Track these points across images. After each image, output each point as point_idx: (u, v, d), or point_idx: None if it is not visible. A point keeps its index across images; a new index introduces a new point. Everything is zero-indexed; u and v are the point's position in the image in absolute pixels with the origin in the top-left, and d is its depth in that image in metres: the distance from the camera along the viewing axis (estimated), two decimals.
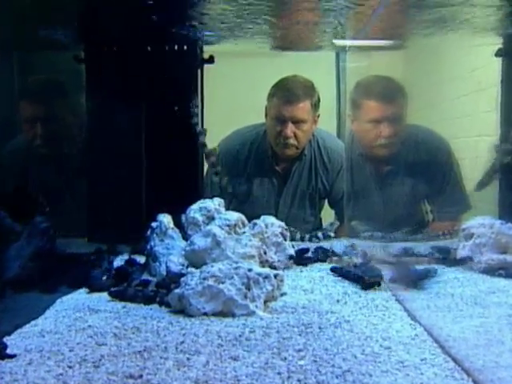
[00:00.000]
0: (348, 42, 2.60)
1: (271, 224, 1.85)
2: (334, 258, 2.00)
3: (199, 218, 1.88)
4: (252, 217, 1.86)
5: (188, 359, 1.08)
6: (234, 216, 1.78)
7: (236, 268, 1.41)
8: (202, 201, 1.94)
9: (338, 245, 2.22)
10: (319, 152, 2.73)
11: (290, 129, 2.57)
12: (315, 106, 2.63)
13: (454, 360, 1.07)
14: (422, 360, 1.07)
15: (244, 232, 1.77)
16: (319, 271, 1.86)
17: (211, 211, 1.88)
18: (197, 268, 1.49)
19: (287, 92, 2.57)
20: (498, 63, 2.42)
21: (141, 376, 1.00)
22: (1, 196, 1.95)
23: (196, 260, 1.66)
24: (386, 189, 2.65)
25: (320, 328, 1.25)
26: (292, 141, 2.59)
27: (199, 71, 2.45)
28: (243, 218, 1.81)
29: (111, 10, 2.01)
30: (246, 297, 1.37)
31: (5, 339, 1.19)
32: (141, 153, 2.41)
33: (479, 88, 2.81)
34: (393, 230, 2.38)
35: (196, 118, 2.43)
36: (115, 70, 2.37)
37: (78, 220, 2.42)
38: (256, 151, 2.73)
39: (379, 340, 1.18)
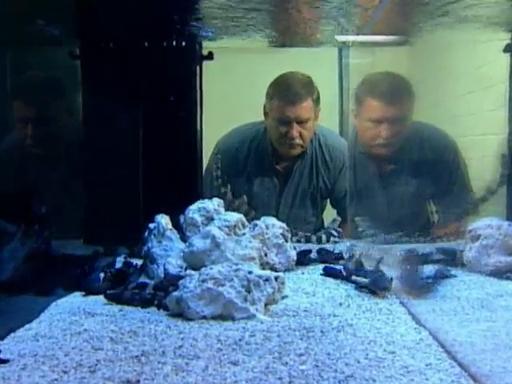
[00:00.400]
0: (351, 38, 2.60)
1: (272, 225, 1.85)
2: (341, 262, 2.00)
3: (198, 218, 1.88)
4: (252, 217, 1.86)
5: (187, 364, 1.08)
6: (234, 217, 1.78)
7: (236, 270, 1.41)
8: (200, 201, 1.94)
9: (340, 246, 2.22)
10: (320, 150, 2.74)
11: (296, 129, 2.58)
12: (316, 101, 2.63)
13: (461, 365, 1.07)
14: (427, 365, 1.07)
15: (244, 233, 1.77)
16: (322, 273, 1.86)
17: (210, 212, 1.88)
18: (195, 270, 1.49)
19: (289, 92, 2.57)
20: (506, 59, 2.42)
21: (138, 381, 1.00)
22: None
23: (195, 262, 1.66)
24: (390, 188, 2.65)
25: (322, 332, 1.25)
26: (298, 141, 2.61)
27: (198, 68, 2.46)
28: (243, 218, 1.81)
29: (108, 5, 2.01)
30: (246, 300, 1.37)
31: None
32: (138, 152, 2.41)
33: (486, 85, 2.81)
34: (392, 231, 2.38)
35: (195, 115, 2.43)
36: (112, 67, 2.37)
37: (74, 221, 2.43)
38: (256, 150, 2.73)
39: (383, 344, 1.18)
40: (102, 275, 1.76)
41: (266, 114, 2.69)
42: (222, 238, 1.68)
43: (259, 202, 2.69)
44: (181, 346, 1.17)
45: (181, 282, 1.42)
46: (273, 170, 2.74)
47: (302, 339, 1.21)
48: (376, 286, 1.55)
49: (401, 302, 1.49)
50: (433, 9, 2.00)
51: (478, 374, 1.03)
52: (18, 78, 2.81)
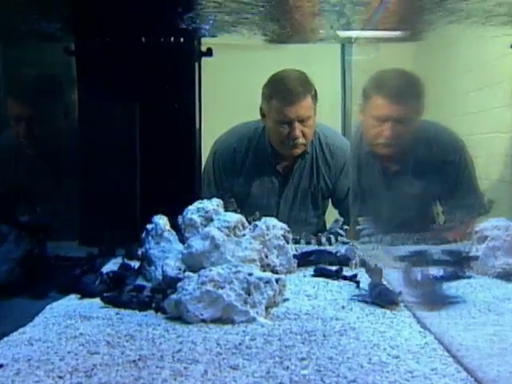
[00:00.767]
0: (354, 34, 2.60)
1: (273, 226, 1.85)
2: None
3: (197, 219, 1.88)
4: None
5: (185, 368, 1.08)
6: (234, 217, 1.78)
7: (236, 272, 1.41)
8: (199, 201, 1.94)
9: (343, 248, 2.22)
10: (321, 149, 2.74)
11: (298, 129, 2.58)
12: (315, 97, 2.63)
13: (467, 370, 1.07)
14: (432, 370, 1.07)
15: (244, 234, 1.77)
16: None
17: (209, 212, 1.89)
18: (194, 272, 1.49)
19: (287, 92, 2.56)
20: None
21: None
22: None
23: (193, 264, 1.66)
24: (395, 189, 2.64)
25: (324, 336, 1.26)
26: (301, 140, 2.61)
27: (197, 65, 2.46)
28: (243, 219, 1.81)
29: (104, 0, 2.01)
30: (246, 302, 1.38)
31: None
32: (135, 151, 2.42)
33: (494, 81, 2.81)
34: (395, 232, 2.37)
35: (193, 114, 2.44)
36: (108, 64, 2.37)
37: (69, 222, 2.43)
38: (254, 149, 2.73)
39: (387, 348, 1.18)
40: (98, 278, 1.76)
41: (263, 115, 2.68)
42: (222, 240, 1.68)
43: (258, 202, 2.70)
44: (179, 350, 1.17)
45: (179, 284, 1.42)
46: (272, 170, 2.74)
47: (303, 343, 1.21)
48: (382, 300, 1.48)
49: (405, 305, 1.49)
50: (438, 3, 2.00)
51: (484, 379, 1.03)
52: (13, 75, 2.81)
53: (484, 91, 2.91)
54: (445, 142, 2.65)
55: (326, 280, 1.79)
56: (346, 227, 2.45)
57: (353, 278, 1.77)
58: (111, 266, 1.98)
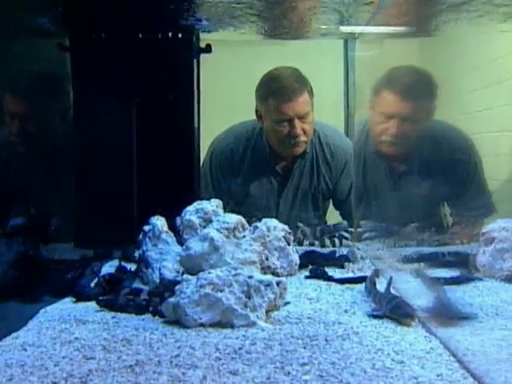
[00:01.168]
0: (357, 29, 2.60)
1: (273, 227, 1.85)
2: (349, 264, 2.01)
3: (195, 220, 1.88)
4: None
5: (183, 374, 1.08)
6: (234, 219, 1.78)
7: (235, 275, 1.41)
8: (198, 202, 1.94)
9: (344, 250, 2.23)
10: (321, 149, 2.74)
11: (298, 126, 2.58)
12: (311, 93, 2.64)
13: (473, 376, 1.07)
14: (437, 376, 1.07)
15: (244, 236, 1.78)
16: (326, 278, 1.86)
17: (208, 213, 1.89)
18: (193, 275, 1.49)
19: (284, 89, 2.57)
20: None
21: None
22: None
23: (192, 266, 1.66)
24: (401, 190, 2.64)
25: (326, 340, 1.26)
26: (302, 137, 2.62)
27: (195, 61, 2.46)
28: (243, 220, 1.81)
29: None
30: (246, 306, 1.38)
31: None
32: (132, 150, 2.42)
33: (502, 78, 2.81)
34: (395, 235, 2.37)
35: (192, 112, 2.44)
36: (104, 60, 2.37)
37: (64, 223, 2.43)
38: (252, 149, 2.74)
39: (391, 353, 1.18)
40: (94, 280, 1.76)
41: (259, 116, 2.68)
42: (221, 241, 1.69)
43: (257, 203, 2.70)
44: (177, 355, 1.17)
45: (177, 287, 1.42)
46: (271, 171, 2.74)
47: (305, 348, 1.21)
48: (397, 314, 1.39)
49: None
50: None
51: None
52: (6, 71, 2.81)
53: (491, 89, 2.91)
54: (453, 141, 2.64)
55: (329, 283, 1.80)
56: (350, 229, 2.45)
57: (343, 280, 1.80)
58: (107, 268, 1.98)
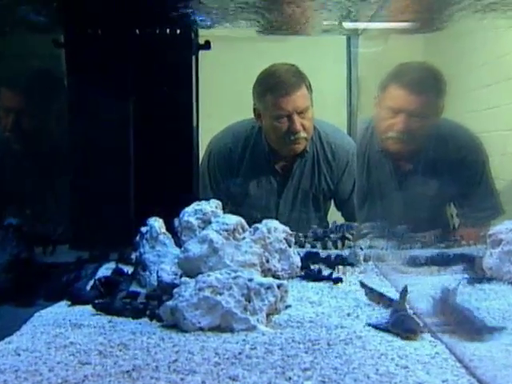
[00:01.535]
0: (361, 25, 2.60)
1: (274, 229, 1.85)
2: (347, 268, 2.01)
3: (194, 221, 1.88)
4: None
5: (182, 380, 1.08)
6: (233, 220, 1.79)
7: (235, 277, 1.41)
8: (197, 203, 1.94)
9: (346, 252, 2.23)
10: (322, 148, 2.74)
11: (298, 121, 2.58)
12: (310, 88, 2.64)
13: (480, 382, 1.07)
14: (443, 381, 1.07)
15: (244, 237, 1.78)
16: (328, 281, 1.86)
17: (207, 214, 1.89)
18: (191, 277, 1.49)
19: (282, 84, 2.57)
20: None
21: None
22: None
23: (191, 269, 1.66)
24: (407, 189, 2.64)
25: (329, 344, 1.26)
26: (302, 134, 2.62)
27: (194, 58, 2.46)
28: (243, 221, 1.81)
29: None
30: (246, 309, 1.38)
31: None
32: (129, 149, 2.42)
33: (510, 75, 2.80)
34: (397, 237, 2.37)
35: (191, 110, 2.44)
36: (100, 57, 2.37)
37: (59, 225, 2.43)
38: (251, 149, 2.74)
39: (395, 358, 1.18)
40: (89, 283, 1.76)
41: (258, 115, 2.69)
42: (221, 243, 1.69)
43: (257, 204, 2.70)
44: (175, 360, 1.17)
45: (175, 290, 1.42)
46: (270, 170, 2.74)
47: (306, 352, 1.21)
48: (400, 329, 1.34)
49: (414, 313, 1.49)
50: None
51: None
52: (4, 67, 2.81)
53: (499, 86, 2.91)
54: (460, 139, 2.64)
55: (331, 285, 1.80)
56: (352, 231, 2.45)
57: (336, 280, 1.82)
58: (103, 270, 1.98)
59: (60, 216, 2.46)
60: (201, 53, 2.49)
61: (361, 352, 1.22)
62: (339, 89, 3.32)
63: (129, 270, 1.91)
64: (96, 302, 1.55)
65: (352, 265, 2.04)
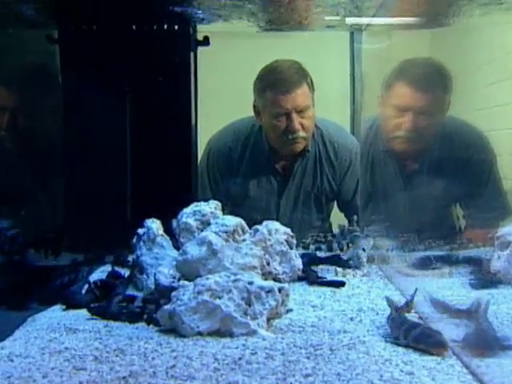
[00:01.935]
0: (364, 20, 2.60)
1: (275, 230, 1.86)
2: (347, 270, 2.01)
3: (193, 223, 1.88)
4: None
5: None
6: (233, 221, 1.79)
7: (235, 281, 1.41)
8: (195, 204, 1.95)
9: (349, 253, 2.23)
10: (324, 147, 2.74)
11: (297, 120, 2.58)
12: (311, 86, 2.64)
13: None
14: None
15: (244, 239, 1.78)
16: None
17: (206, 215, 1.89)
18: (190, 281, 1.50)
19: (282, 81, 2.57)
20: None
21: None
22: None
23: (189, 271, 1.66)
24: (412, 190, 2.64)
25: (331, 350, 1.26)
26: (301, 133, 2.61)
27: (192, 55, 2.46)
28: (243, 223, 1.81)
29: None
30: (246, 314, 1.38)
31: None
32: (125, 149, 2.42)
33: None
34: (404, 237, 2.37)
35: (189, 108, 2.44)
36: (95, 54, 2.37)
37: (53, 226, 2.43)
38: (252, 148, 2.74)
39: (399, 364, 1.18)
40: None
41: (257, 112, 2.69)
42: (220, 245, 1.69)
43: (257, 205, 2.70)
44: (173, 366, 1.17)
45: (173, 293, 1.42)
46: (271, 170, 2.74)
47: (308, 358, 1.21)
48: (426, 343, 1.26)
49: (420, 318, 1.49)
50: None
51: None
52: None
53: (507, 83, 2.91)
54: (467, 138, 2.64)
55: (333, 289, 1.80)
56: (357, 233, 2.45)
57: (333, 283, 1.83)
58: (99, 274, 1.98)
59: (55, 217, 2.46)
60: (199, 49, 2.49)
61: (364, 357, 1.22)
62: (342, 86, 3.32)
63: (125, 272, 1.92)
64: (91, 305, 1.55)
65: (353, 268, 2.04)
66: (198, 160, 2.69)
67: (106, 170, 2.38)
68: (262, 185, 2.75)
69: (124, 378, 1.12)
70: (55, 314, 1.59)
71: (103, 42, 2.38)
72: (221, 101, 3.50)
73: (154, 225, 1.87)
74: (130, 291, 1.75)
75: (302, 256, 2.08)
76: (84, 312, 1.55)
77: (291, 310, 1.55)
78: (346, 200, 2.80)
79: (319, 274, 1.97)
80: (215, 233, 1.73)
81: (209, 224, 1.84)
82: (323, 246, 2.40)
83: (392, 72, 2.63)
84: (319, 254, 2.30)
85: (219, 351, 1.25)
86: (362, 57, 3.05)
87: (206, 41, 2.47)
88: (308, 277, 1.91)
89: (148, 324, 1.45)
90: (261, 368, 1.16)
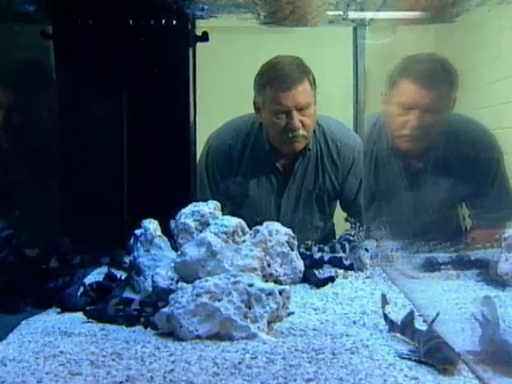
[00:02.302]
0: (368, 15, 2.60)
1: (276, 231, 1.86)
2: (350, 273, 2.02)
3: (191, 223, 1.88)
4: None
5: None
6: (233, 222, 1.79)
7: (234, 283, 1.42)
8: (194, 204, 1.95)
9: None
10: (326, 146, 2.73)
11: (297, 118, 2.57)
12: (313, 83, 2.63)
13: None
14: None
15: (244, 240, 1.78)
16: (332, 286, 1.87)
17: (205, 216, 1.89)
18: (188, 283, 1.50)
19: (282, 78, 2.56)
20: None
21: None
22: None
23: (188, 273, 1.67)
24: (417, 189, 2.64)
25: (333, 354, 1.26)
26: (301, 131, 2.60)
27: (191, 50, 2.46)
28: (243, 223, 1.82)
29: None
30: (246, 317, 1.38)
31: None
32: (122, 147, 2.42)
33: None
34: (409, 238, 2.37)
35: (187, 105, 2.44)
36: (90, 50, 2.37)
37: (48, 227, 2.43)
38: (252, 146, 2.74)
39: (404, 369, 1.18)
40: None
41: (258, 109, 2.69)
42: (219, 246, 1.69)
43: (257, 204, 2.70)
44: (171, 370, 1.17)
45: (171, 296, 1.43)
46: (271, 168, 2.74)
47: (310, 362, 1.21)
48: (435, 359, 1.20)
49: (424, 321, 1.49)
50: None
51: None
52: None
53: None
54: (473, 136, 2.64)
55: (336, 291, 1.80)
56: (359, 235, 2.45)
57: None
58: (95, 275, 1.99)
59: (50, 217, 2.46)
60: (198, 45, 2.49)
61: (367, 362, 1.22)
62: (345, 82, 3.32)
63: (122, 274, 1.92)
64: (87, 308, 1.56)
65: (356, 270, 2.04)
66: (197, 158, 2.69)
67: (101, 169, 2.37)
68: (263, 184, 2.75)
69: (121, 382, 1.12)
70: (50, 317, 1.59)
71: (99, 38, 2.38)
72: (220, 97, 3.50)
73: (152, 225, 1.87)
74: (127, 294, 1.76)
75: (304, 258, 2.09)
76: (79, 315, 1.55)
77: (292, 313, 1.55)
78: (349, 199, 2.80)
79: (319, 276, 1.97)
80: (214, 234, 1.73)
81: (208, 224, 1.84)
82: (326, 248, 2.40)
83: (396, 68, 2.63)
84: (321, 255, 2.30)
85: (218, 355, 1.25)
86: (365, 53, 3.05)
87: (204, 36, 2.47)
88: (309, 278, 1.91)
89: (145, 327, 1.45)
90: (261, 372, 1.16)
